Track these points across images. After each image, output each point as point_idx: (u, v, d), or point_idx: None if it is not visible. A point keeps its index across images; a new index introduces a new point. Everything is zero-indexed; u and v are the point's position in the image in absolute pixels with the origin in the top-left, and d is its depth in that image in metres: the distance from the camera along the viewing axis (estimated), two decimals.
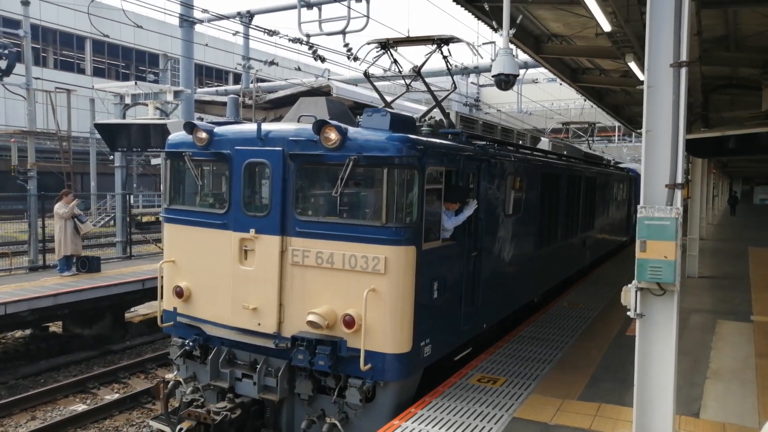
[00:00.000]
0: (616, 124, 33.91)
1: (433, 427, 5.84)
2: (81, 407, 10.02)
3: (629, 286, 4.63)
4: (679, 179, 4.51)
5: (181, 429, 6.49)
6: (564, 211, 11.91)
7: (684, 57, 4.45)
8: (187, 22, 16.32)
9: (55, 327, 14.11)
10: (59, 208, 13.54)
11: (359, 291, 6.08)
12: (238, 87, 23.47)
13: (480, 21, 10.05)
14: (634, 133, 38.61)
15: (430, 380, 7.04)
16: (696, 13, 7.76)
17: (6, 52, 14.76)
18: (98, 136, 20.08)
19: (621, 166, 22.14)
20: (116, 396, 10.48)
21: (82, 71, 45.97)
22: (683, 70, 4.46)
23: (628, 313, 4.65)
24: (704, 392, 6.94)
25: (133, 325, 14.75)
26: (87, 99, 25.64)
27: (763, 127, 10.08)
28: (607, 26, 8.56)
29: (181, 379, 7.38)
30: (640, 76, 10.48)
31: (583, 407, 6.43)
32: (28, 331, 13.60)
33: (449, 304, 7.10)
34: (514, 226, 9.03)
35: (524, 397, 6.66)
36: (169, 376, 7.76)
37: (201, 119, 10.37)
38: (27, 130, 16.89)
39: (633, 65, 10.77)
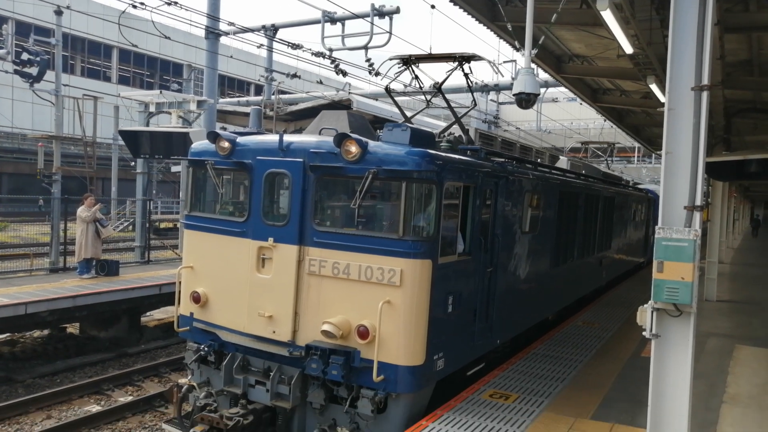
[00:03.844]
0: (636, 144, 33.74)
1: None
2: (95, 408, 10.14)
3: (645, 306, 4.63)
4: (698, 201, 4.51)
5: None
6: (581, 230, 11.87)
7: (706, 81, 4.48)
8: (213, 34, 16.63)
9: (73, 328, 14.31)
10: (82, 211, 13.79)
11: (374, 302, 6.13)
12: (259, 98, 23.80)
13: (502, 40, 10.15)
14: (653, 155, 38.35)
15: (442, 394, 7.05)
16: (719, 38, 7.77)
17: (38, 59, 15.16)
18: (121, 142, 20.45)
19: (640, 187, 22.01)
20: (130, 398, 10.59)
21: (108, 79, 46.95)
22: (704, 94, 4.49)
23: (644, 333, 4.64)
24: (720, 417, 6.86)
25: (148, 329, 14.91)
26: (111, 106, 26.16)
27: None
28: (629, 48, 8.60)
29: (195, 384, 7.46)
30: (661, 99, 10.48)
31: (596, 427, 6.39)
32: (46, 332, 13.81)
33: (463, 319, 7.12)
34: (531, 244, 9.03)
35: (536, 414, 6.63)
36: (183, 380, 7.84)
37: (224, 129, 10.54)
38: (54, 135, 17.26)
39: (654, 87, 10.78)
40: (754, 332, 11.33)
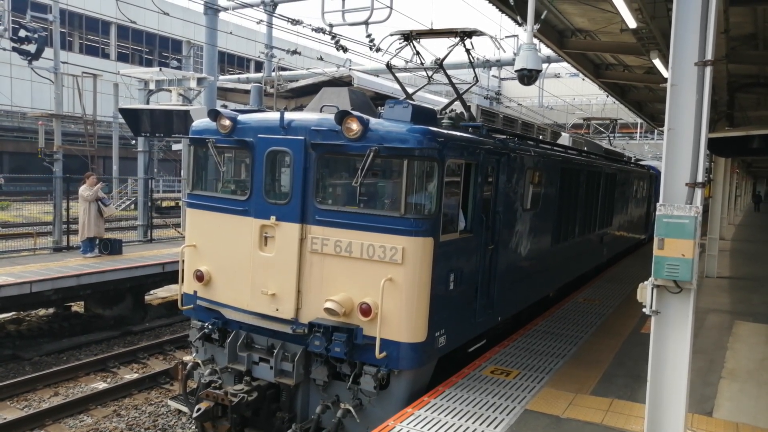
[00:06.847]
0: (638, 120, 33.52)
1: (445, 416, 5.93)
2: (101, 385, 10.27)
3: (646, 283, 4.64)
4: (700, 178, 4.50)
5: (199, 409, 6.64)
6: (582, 207, 11.88)
7: (709, 56, 4.43)
8: (212, 9, 16.45)
9: (77, 307, 14.43)
10: (84, 190, 13.80)
11: (376, 280, 6.16)
12: (260, 75, 23.61)
13: (504, 14, 10.02)
14: (656, 131, 38.13)
15: (443, 370, 7.13)
16: (724, 11, 7.67)
17: (35, 36, 15.00)
18: (121, 120, 20.35)
19: (642, 163, 21.95)
20: (135, 375, 10.72)
21: (106, 56, 46.56)
22: (708, 69, 4.44)
23: (644, 309, 4.67)
24: (718, 392, 6.94)
25: (152, 308, 15.03)
26: (111, 84, 25.98)
27: None
28: (632, 22, 8.50)
29: (199, 361, 7.55)
30: (665, 74, 10.38)
31: (596, 402, 6.47)
32: (51, 310, 13.93)
33: (465, 296, 7.16)
34: (532, 221, 9.04)
35: (537, 390, 6.71)
36: (188, 357, 7.93)
37: (225, 106, 10.50)
38: (54, 113, 17.17)
39: (657, 62, 10.67)
40: (754, 308, 11.39)
